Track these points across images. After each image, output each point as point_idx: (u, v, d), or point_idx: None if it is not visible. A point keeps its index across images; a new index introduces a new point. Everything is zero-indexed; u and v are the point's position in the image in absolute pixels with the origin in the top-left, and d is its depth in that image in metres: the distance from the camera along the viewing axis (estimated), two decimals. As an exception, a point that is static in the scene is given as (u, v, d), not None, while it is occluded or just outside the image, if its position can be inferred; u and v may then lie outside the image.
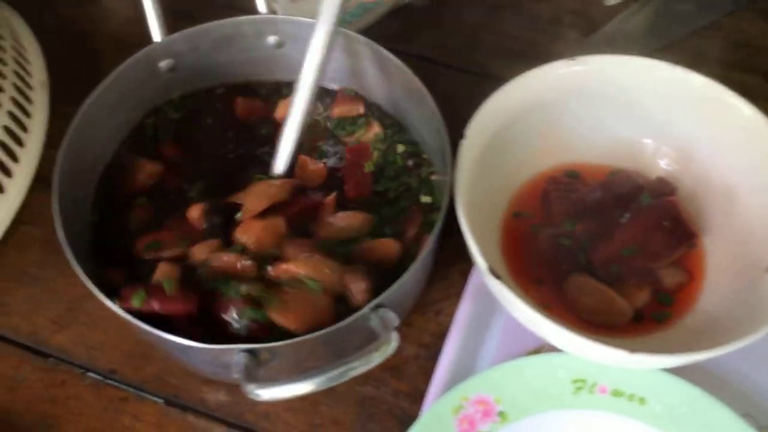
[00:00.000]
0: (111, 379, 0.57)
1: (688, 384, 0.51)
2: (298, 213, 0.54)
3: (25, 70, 0.68)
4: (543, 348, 0.55)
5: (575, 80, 0.58)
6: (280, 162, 0.57)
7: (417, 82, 0.56)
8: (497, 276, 0.49)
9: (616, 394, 0.52)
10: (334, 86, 0.63)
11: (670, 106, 0.58)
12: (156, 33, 0.59)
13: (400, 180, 0.59)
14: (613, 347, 0.46)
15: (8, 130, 0.64)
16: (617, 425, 0.51)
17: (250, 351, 0.45)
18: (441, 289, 0.60)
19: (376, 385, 0.56)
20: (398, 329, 0.55)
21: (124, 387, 0.57)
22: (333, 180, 0.59)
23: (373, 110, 0.63)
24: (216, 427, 0.55)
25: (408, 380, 0.56)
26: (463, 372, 0.54)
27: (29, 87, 0.68)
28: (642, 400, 0.51)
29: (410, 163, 0.60)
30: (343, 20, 0.67)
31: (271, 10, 0.62)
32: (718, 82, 0.57)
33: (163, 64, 0.60)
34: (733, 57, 0.74)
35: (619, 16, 0.77)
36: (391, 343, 0.45)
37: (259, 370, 0.45)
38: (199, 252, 0.52)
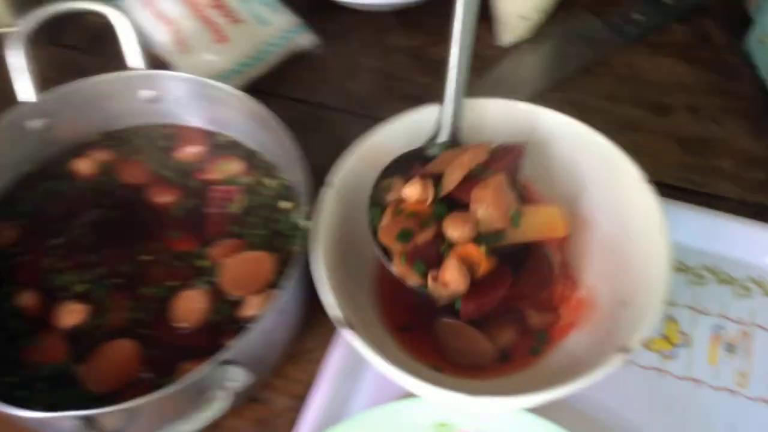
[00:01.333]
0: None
1: (553, 425, 0.51)
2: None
3: None
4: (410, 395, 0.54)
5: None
6: (445, 127, 0.57)
7: (273, 122, 0.58)
8: (350, 326, 0.49)
9: (479, 437, 0.52)
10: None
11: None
12: (25, 92, 0.60)
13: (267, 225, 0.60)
14: (452, 391, 0.46)
15: None
16: (479, 469, 0.51)
17: (83, 418, 0.45)
18: (316, 337, 0.59)
19: (245, 443, 0.56)
20: (265, 383, 0.55)
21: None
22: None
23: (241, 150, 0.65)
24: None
25: (278, 435, 0.56)
26: (331, 422, 0.54)
27: None
28: (503, 442, 0.51)
29: (282, 205, 0.61)
30: (232, 72, 0.70)
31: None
32: (575, 119, 0.57)
33: (34, 123, 0.61)
34: (621, 91, 0.75)
35: (512, 56, 0.79)
36: (218, 403, 0.45)
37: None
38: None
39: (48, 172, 0.63)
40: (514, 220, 0.51)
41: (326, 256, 0.51)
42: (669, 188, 0.68)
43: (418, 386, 0.47)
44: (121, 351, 0.53)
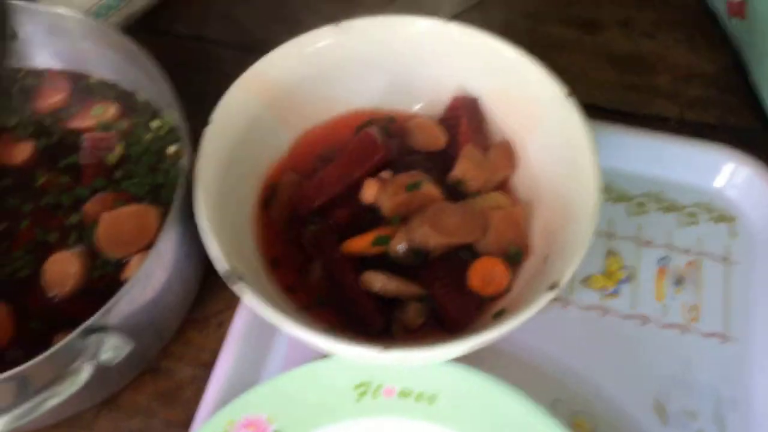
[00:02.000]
0: None
1: (481, 374, 0.45)
2: None
3: None
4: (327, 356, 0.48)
5: (339, 50, 0.51)
6: None
7: (145, 59, 0.49)
8: (240, 278, 0.41)
9: (404, 394, 0.45)
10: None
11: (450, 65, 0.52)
12: None
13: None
14: (364, 347, 0.39)
15: None
16: (406, 428, 0.45)
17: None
18: (223, 299, 0.53)
19: (145, 417, 0.49)
20: (165, 351, 0.48)
21: None
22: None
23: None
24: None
25: (182, 407, 0.49)
26: (242, 389, 0.47)
27: None
28: (431, 399, 0.45)
29: (169, 151, 0.53)
30: (108, 7, 0.61)
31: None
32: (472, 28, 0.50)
33: None
34: (546, 8, 0.69)
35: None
36: (81, 375, 0.38)
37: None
38: None
39: None
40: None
41: (208, 202, 0.43)
42: (603, 111, 0.62)
43: (326, 342, 0.40)
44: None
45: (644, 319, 0.52)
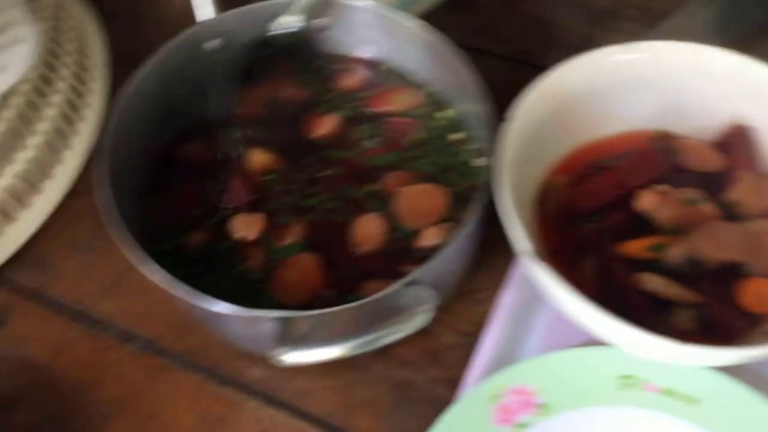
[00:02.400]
0: (152, 348, 0.57)
1: (748, 388, 0.48)
2: None
3: (84, 53, 0.70)
4: (588, 344, 0.52)
5: (627, 67, 0.56)
6: None
7: (459, 64, 0.56)
8: (540, 259, 0.47)
9: (667, 393, 0.49)
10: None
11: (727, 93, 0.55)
12: (203, 12, 0.59)
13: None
14: (662, 337, 0.43)
15: (70, 102, 0.66)
16: (663, 425, 0.49)
17: (281, 319, 0.45)
18: (484, 278, 0.58)
19: (413, 371, 0.55)
20: (437, 312, 0.54)
21: (164, 357, 0.57)
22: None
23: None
24: (251, 401, 0.55)
25: (445, 367, 0.55)
26: (503, 362, 0.52)
27: (86, 69, 0.70)
28: (695, 401, 0.49)
29: (452, 137, 0.59)
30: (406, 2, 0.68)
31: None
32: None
33: (210, 44, 0.61)
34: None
35: (685, 9, 0.74)
36: (423, 316, 0.44)
37: (288, 338, 0.45)
38: None
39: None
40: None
41: (511, 191, 0.49)
42: None
43: (614, 326, 0.45)
44: (307, 265, 0.52)
45: None
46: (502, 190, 0.49)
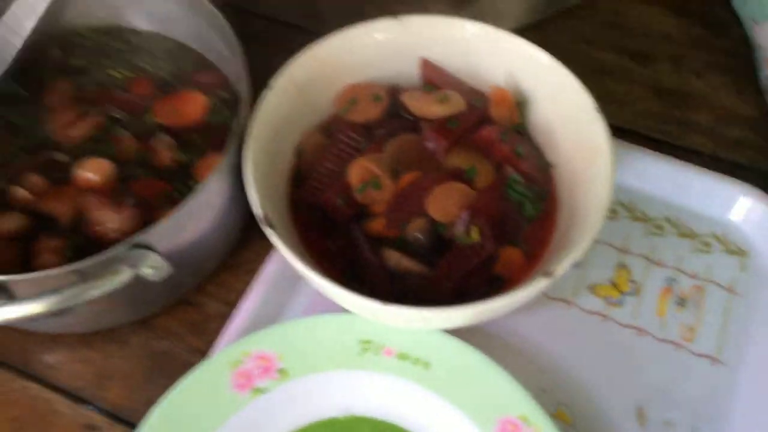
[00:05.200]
0: None
1: (477, 351, 0.49)
2: None
3: None
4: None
5: (396, 39, 0.57)
6: None
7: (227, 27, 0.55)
8: (270, 225, 0.47)
9: (402, 357, 0.50)
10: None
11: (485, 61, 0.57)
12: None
13: None
14: (365, 297, 0.44)
15: None
16: (399, 388, 0.49)
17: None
18: (257, 251, 0.58)
19: (173, 341, 0.55)
20: (200, 288, 0.54)
21: None
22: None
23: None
24: (3, 373, 0.53)
25: (206, 337, 0.55)
26: (260, 328, 0.52)
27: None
28: (426, 365, 0.49)
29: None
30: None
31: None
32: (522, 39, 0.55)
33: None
34: (603, 36, 0.72)
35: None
36: (120, 275, 0.43)
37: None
38: None
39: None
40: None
41: (255, 157, 0.49)
42: (641, 137, 0.66)
43: (330, 288, 0.45)
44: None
45: (641, 331, 0.55)
46: (246, 156, 0.49)
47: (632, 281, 0.57)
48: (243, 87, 0.52)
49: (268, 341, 0.50)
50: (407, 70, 0.58)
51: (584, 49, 0.71)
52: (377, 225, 0.51)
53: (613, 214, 0.60)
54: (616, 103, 0.68)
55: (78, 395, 0.52)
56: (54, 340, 0.54)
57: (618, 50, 0.71)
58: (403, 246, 0.51)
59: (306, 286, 0.56)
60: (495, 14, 0.73)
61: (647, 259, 0.58)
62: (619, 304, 0.56)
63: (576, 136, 0.53)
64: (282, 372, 0.50)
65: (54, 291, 0.43)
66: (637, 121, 0.67)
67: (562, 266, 0.45)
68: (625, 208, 0.61)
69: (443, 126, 0.53)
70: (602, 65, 0.70)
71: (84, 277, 0.44)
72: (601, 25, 0.73)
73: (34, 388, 0.53)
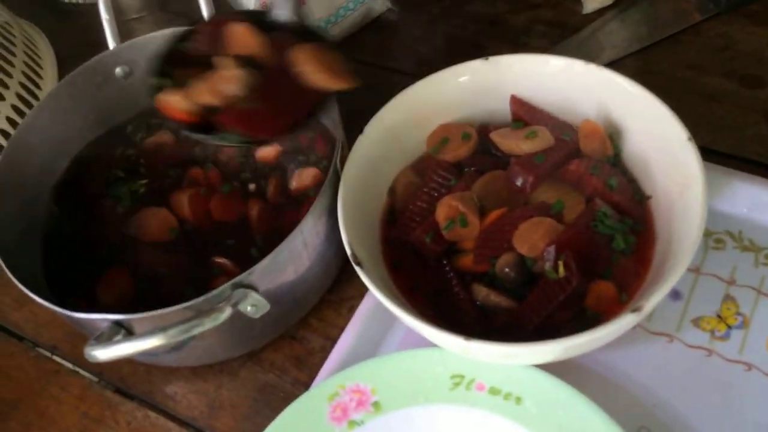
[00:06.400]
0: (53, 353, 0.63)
1: (569, 387, 0.49)
2: None
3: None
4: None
5: (485, 79, 0.58)
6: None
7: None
8: (359, 263, 0.49)
9: (493, 392, 0.50)
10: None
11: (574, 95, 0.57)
12: (111, 40, 0.65)
13: None
14: (449, 333, 0.45)
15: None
16: (490, 423, 0.50)
17: (115, 322, 0.49)
18: (358, 287, 0.60)
19: (278, 374, 0.58)
20: (304, 323, 0.57)
21: (60, 360, 0.62)
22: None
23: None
24: (127, 403, 0.59)
25: (309, 371, 0.57)
26: (358, 362, 0.55)
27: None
28: (518, 400, 0.49)
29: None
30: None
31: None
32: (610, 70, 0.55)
33: (119, 70, 0.66)
34: (710, 61, 0.70)
35: (594, 23, 0.76)
36: (223, 313, 0.47)
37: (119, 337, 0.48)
38: None
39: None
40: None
41: (348, 197, 0.52)
42: (751, 163, 0.63)
43: (416, 324, 0.46)
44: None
45: (749, 366, 0.52)
46: (340, 198, 0.52)
47: (739, 314, 0.55)
48: (339, 133, 0.55)
49: (362, 375, 0.52)
50: (498, 108, 0.60)
51: (689, 74, 0.69)
52: (466, 261, 0.52)
53: (719, 244, 0.58)
54: (725, 128, 0.65)
55: (193, 424, 0.56)
56: (173, 372, 0.59)
57: (726, 74, 0.69)
58: (493, 281, 0.51)
59: (399, 321, 0.57)
60: (595, 46, 0.73)
61: (757, 290, 0.56)
62: (725, 338, 0.54)
63: (670, 166, 0.52)
64: (376, 405, 0.51)
65: (163, 329, 0.47)
66: (746, 147, 0.64)
67: (651, 302, 0.44)
68: (733, 237, 0.58)
69: (530, 161, 0.54)
70: (709, 90, 0.68)
71: (191, 315, 0.48)
72: (708, 49, 0.71)
73: (153, 416, 0.58)
